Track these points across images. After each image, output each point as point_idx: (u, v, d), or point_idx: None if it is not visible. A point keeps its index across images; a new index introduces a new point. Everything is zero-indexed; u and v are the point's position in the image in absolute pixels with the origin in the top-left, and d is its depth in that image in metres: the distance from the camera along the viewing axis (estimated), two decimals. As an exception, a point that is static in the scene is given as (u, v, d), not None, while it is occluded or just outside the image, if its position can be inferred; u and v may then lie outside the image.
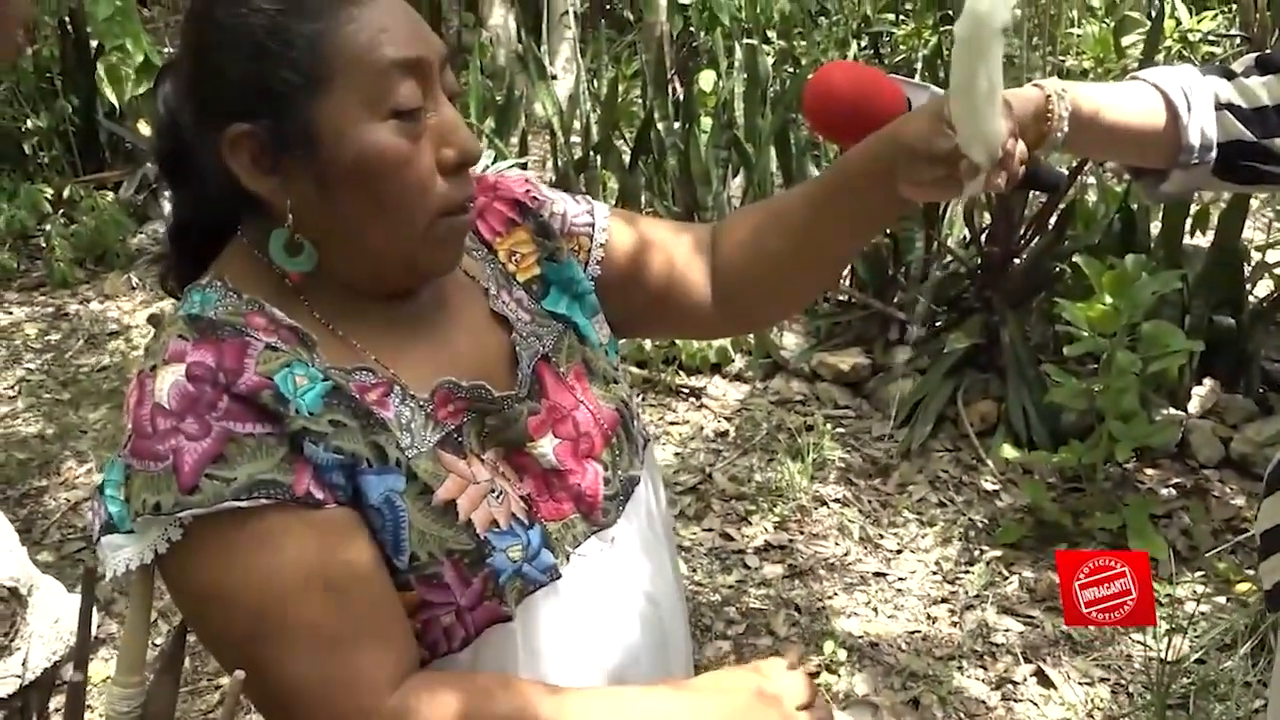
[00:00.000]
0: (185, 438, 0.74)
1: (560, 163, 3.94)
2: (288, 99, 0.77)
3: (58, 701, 1.50)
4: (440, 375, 0.85)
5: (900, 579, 2.57)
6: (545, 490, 0.88)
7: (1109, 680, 2.24)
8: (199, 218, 0.87)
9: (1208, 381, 2.92)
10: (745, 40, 4.56)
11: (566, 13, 5.46)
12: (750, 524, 2.77)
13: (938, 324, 3.25)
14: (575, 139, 4.08)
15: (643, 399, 3.29)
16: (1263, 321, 2.99)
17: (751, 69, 3.85)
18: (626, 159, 3.84)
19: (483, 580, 0.81)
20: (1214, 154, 1.06)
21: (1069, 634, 2.35)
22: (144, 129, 4.59)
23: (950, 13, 5.07)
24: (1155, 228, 3.14)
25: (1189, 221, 3.17)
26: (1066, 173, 2.86)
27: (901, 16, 6.13)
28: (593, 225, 1.00)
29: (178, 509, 0.73)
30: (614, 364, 0.99)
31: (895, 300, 3.31)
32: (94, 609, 1.21)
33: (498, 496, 0.84)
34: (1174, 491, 2.74)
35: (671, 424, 3.20)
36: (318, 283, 0.83)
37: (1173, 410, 2.85)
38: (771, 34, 5.93)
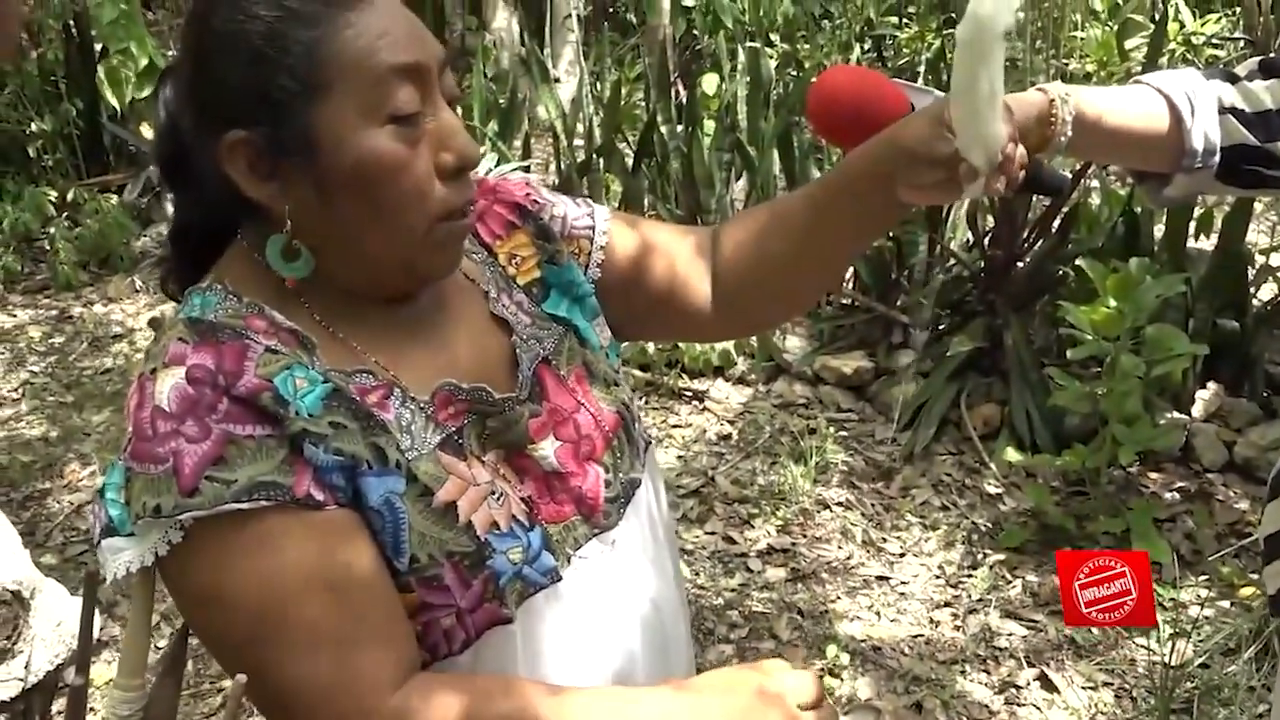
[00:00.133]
0: (185, 440, 0.74)
1: (563, 166, 3.94)
2: (285, 105, 0.77)
3: (60, 704, 1.50)
4: (440, 377, 0.85)
5: (903, 583, 2.56)
6: (546, 492, 0.88)
7: (1112, 685, 2.24)
8: (199, 221, 0.87)
9: (1211, 385, 2.91)
10: (748, 43, 4.56)
11: (569, 16, 5.47)
12: (753, 527, 2.77)
13: (941, 327, 3.24)
14: (578, 142, 4.08)
15: (645, 402, 3.29)
16: (1267, 325, 2.98)
17: (754, 72, 3.85)
18: (629, 162, 3.84)
19: (483, 582, 0.81)
20: (1217, 158, 1.06)
21: (1072, 638, 2.34)
22: (147, 132, 4.60)
23: (953, 16, 5.08)
24: (1159, 231, 3.14)
25: (1193, 225, 3.16)
26: (1070, 176, 2.86)
27: (904, 20, 6.13)
28: (593, 228, 1.00)
29: (178, 511, 0.73)
30: (615, 367, 0.99)
31: (898, 303, 3.31)
32: (96, 612, 1.21)
33: (498, 499, 0.84)
34: (1178, 495, 2.74)
35: (674, 427, 3.20)
36: (317, 286, 0.83)
37: (1176, 414, 2.84)
38: (774, 37, 5.94)
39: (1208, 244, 3.22)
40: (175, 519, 0.74)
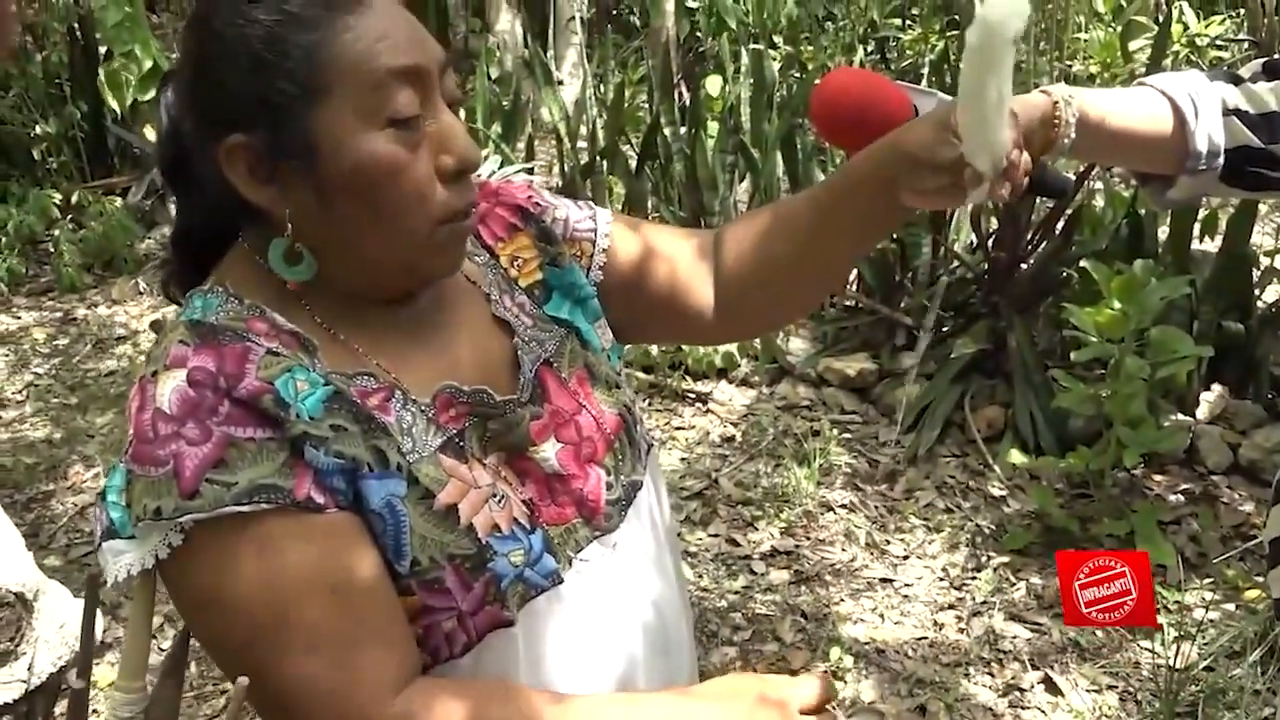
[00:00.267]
0: (186, 443, 0.74)
1: (567, 168, 3.94)
2: (285, 109, 0.77)
3: (63, 706, 1.50)
4: (442, 380, 0.85)
5: (907, 585, 2.56)
6: (547, 495, 0.88)
7: (1117, 688, 2.23)
8: (201, 224, 0.87)
9: (1216, 387, 2.91)
10: (752, 45, 4.56)
11: (573, 18, 5.47)
12: (756, 529, 2.77)
13: (944, 329, 3.24)
14: (582, 144, 4.08)
15: (649, 404, 3.29)
16: (1271, 327, 2.97)
17: (758, 74, 3.85)
18: (633, 164, 3.84)
19: (484, 585, 0.81)
20: (1221, 160, 1.06)
21: (1077, 641, 2.34)
22: (152, 135, 4.61)
23: (956, 18, 5.07)
24: (1163, 233, 3.13)
25: (1197, 226, 3.16)
26: (1073, 178, 2.85)
27: (908, 22, 6.13)
28: (595, 231, 1.00)
29: (178, 514, 0.73)
30: (617, 369, 0.99)
31: (902, 305, 3.31)
32: (99, 614, 1.21)
33: (499, 501, 0.84)
34: (1182, 498, 2.73)
35: (678, 429, 3.19)
36: (318, 288, 0.83)
37: (1181, 416, 2.84)
38: (778, 39, 5.94)
39: (1212, 246, 3.22)
40: (176, 521, 0.74)
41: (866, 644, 2.37)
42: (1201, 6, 5.32)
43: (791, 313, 1.17)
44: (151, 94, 4.28)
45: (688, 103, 4.06)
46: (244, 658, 0.76)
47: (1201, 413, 2.87)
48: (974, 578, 2.56)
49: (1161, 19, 4.50)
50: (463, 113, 0.86)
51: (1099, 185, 3.60)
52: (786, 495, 2.86)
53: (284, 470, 0.75)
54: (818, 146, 3.67)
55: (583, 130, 4.16)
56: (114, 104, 4.23)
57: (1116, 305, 2.46)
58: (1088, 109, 1.01)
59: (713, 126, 3.97)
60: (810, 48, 5.80)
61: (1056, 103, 0.99)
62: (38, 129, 4.67)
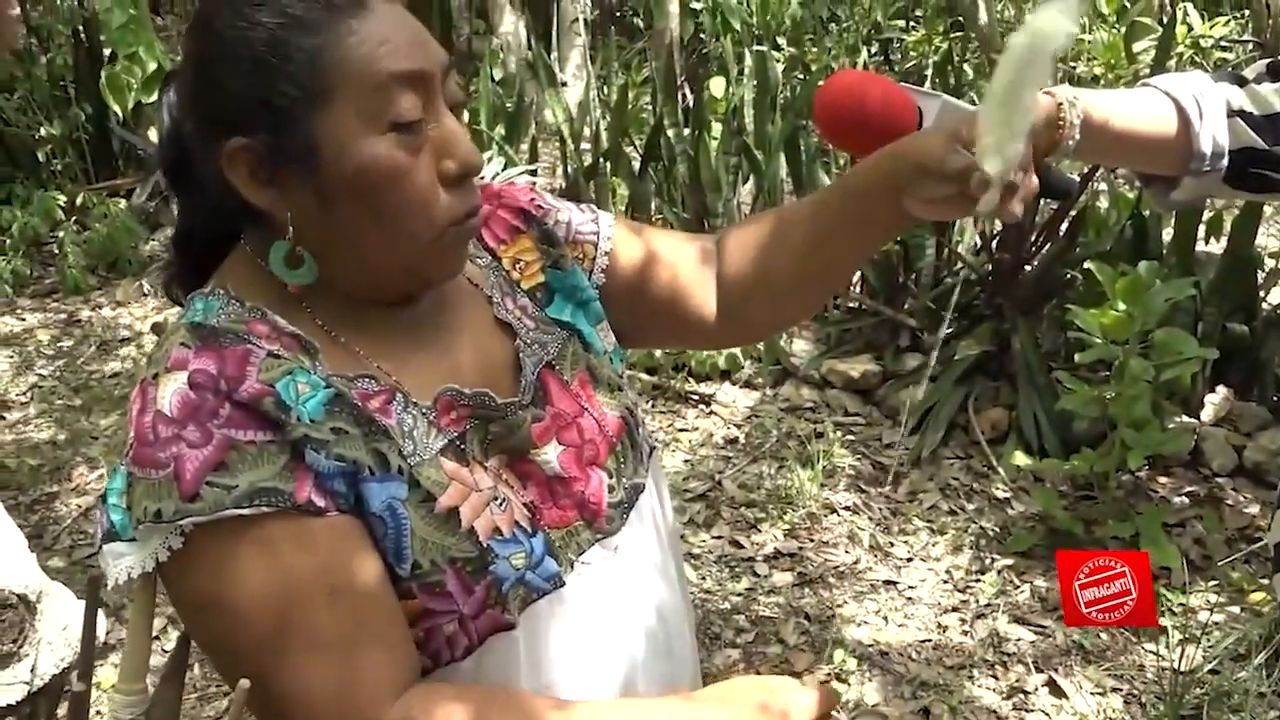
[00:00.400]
0: (187, 445, 0.74)
1: (570, 169, 3.94)
2: (287, 113, 0.77)
3: (66, 708, 1.50)
4: (443, 382, 0.85)
5: (911, 587, 2.55)
6: (549, 498, 0.88)
7: (1121, 690, 2.22)
8: (203, 226, 0.87)
9: (1221, 389, 2.90)
10: (755, 47, 4.56)
11: (577, 20, 5.48)
12: (760, 531, 2.77)
13: (948, 331, 3.23)
14: (585, 146, 4.08)
15: (652, 405, 3.29)
16: (1276, 329, 2.96)
17: (761, 75, 3.85)
18: (636, 166, 3.84)
19: (485, 588, 0.81)
20: (1225, 161, 1.06)
21: (1081, 643, 2.33)
22: (155, 137, 4.61)
23: (960, 20, 5.07)
24: (1168, 234, 3.12)
25: (1202, 228, 3.15)
26: (1078, 179, 2.85)
27: (911, 23, 6.13)
28: (597, 234, 1.00)
29: (178, 516, 0.73)
30: (619, 371, 0.98)
31: (906, 307, 3.30)
32: (103, 616, 1.20)
33: (500, 504, 0.84)
34: (1187, 500, 2.72)
35: (681, 431, 3.19)
36: (320, 291, 0.83)
37: (1186, 418, 2.83)
38: (782, 40, 5.94)
39: (1217, 247, 3.21)
40: (176, 524, 0.74)
41: (870, 646, 2.37)
42: (1206, 8, 5.31)
43: (794, 317, 1.17)
44: (155, 96, 4.28)
45: (691, 104, 4.06)
46: (243, 661, 0.76)
47: (1206, 415, 2.87)
48: (978, 580, 2.56)
49: (1166, 20, 4.50)
50: (466, 114, 0.86)
51: (1103, 187, 3.59)
52: (790, 497, 2.86)
53: (285, 473, 0.75)
54: (821, 148, 3.66)
55: (586, 132, 4.16)
56: (116, 107, 4.24)
57: (1121, 307, 2.45)
58: (1092, 110, 1.00)
59: (716, 128, 3.97)
60: (814, 49, 5.80)
61: (1061, 104, 0.99)
62: (42, 131, 4.68)
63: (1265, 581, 2.42)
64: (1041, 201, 3.00)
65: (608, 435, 0.92)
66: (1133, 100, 1.06)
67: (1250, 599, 2.40)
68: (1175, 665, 2.16)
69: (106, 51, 4.67)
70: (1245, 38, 4.84)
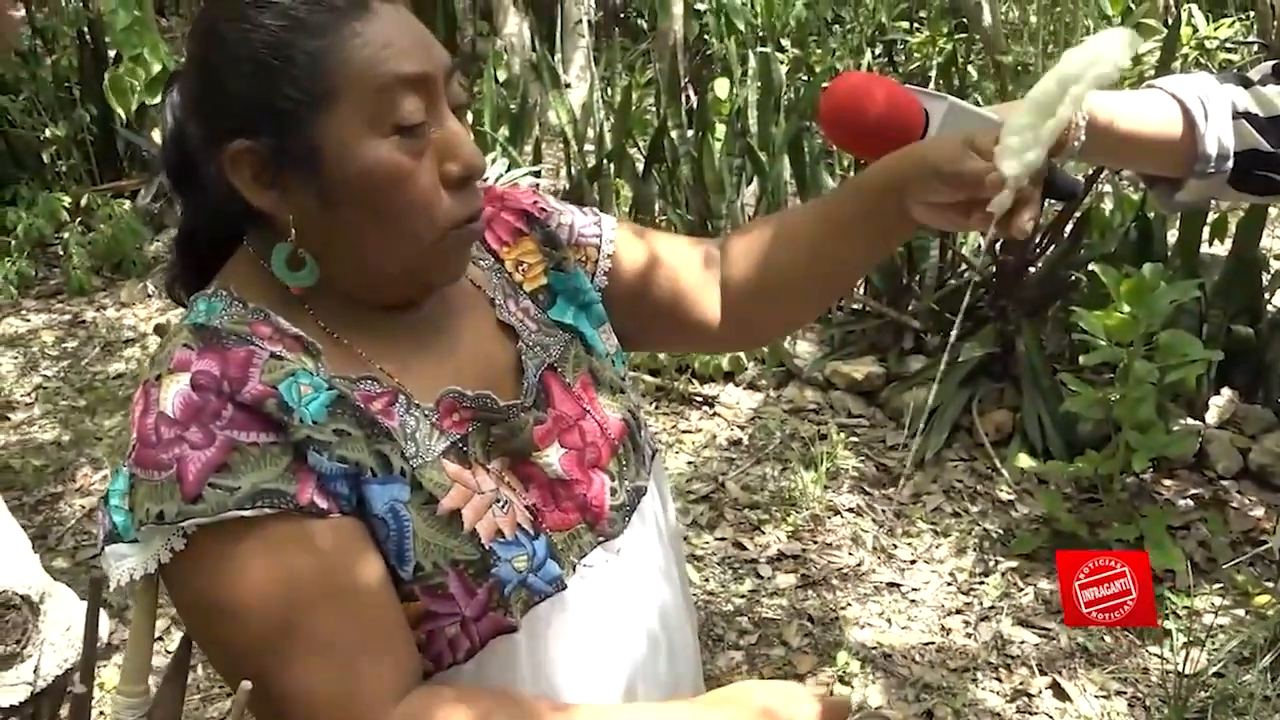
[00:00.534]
0: (189, 446, 0.74)
1: (574, 171, 3.94)
2: (290, 115, 0.77)
3: (68, 709, 1.50)
4: (445, 384, 0.85)
5: (914, 589, 2.55)
6: (551, 500, 0.88)
7: (1125, 693, 2.22)
8: (206, 227, 0.87)
9: (1226, 391, 2.89)
10: (759, 48, 4.56)
11: (581, 21, 5.48)
12: (763, 533, 2.76)
13: (952, 333, 3.23)
14: (589, 147, 4.08)
15: (655, 407, 3.29)
16: (1282, 331, 2.96)
17: (765, 77, 3.85)
18: (640, 167, 3.84)
19: (487, 591, 0.81)
20: (1231, 163, 1.05)
21: (1085, 646, 2.33)
22: (159, 138, 4.61)
23: (965, 21, 5.06)
24: (1172, 236, 3.12)
25: (1206, 230, 3.14)
26: (1082, 181, 2.84)
27: (916, 25, 6.13)
28: (600, 236, 1.00)
29: (181, 518, 0.73)
30: (621, 374, 0.98)
31: (910, 309, 3.30)
32: (106, 616, 1.20)
33: (503, 506, 0.84)
34: (1192, 503, 2.72)
35: (684, 432, 3.19)
36: (322, 293, 0.83)
37: (1190, 420, 2.82)
38: (786, 42, 5.93)
39: (1222, 249, 3.20)
40: (178, 526, 0.74)
41: (873, 649, 2.36)
42: (1210, 9, 5.30)
43: (798, 321, 1.17)
44: (159, 97, 4.29)
45: (695, 106, 4.06)
46: (244, 663, 0.75)
47: (1211, 417, 2.86)
48: (982, 582, 2.55)
49: (1170, 21, 4.49)
50: (470, 116, 0.85)
51: (1108, 188, 3.59)
52: (793, 499, 2.85)
53: (287, 475, 0.75)
54: (825, 150, 3.66)
55: (590, 133, 4.16)
56: (119, 110, 4.25)
57: (1125, 309, 2.45)
58: (1097, 111, 1.00)
59: (720, 130, 3.97)
60: (818, 51, 5.79)
61: (1065, 106, 0.99)
62: (47, 132, 4.69)
63: (1270, 584, 2.41)
64: (1046, 203, 3.00)
65: (610, 438, 0.92)
66: (1138, 102, 1.06)
67: (1255, 602, 2.39)
68: (1180, 668, 2.15)
69: (111, 53, 4.68)
70: (1250, 39, 4.83)
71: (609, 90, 4.89)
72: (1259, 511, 2.67)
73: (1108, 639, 2.34)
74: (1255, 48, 4.54)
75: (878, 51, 5.78)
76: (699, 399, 3.31)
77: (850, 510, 2.83)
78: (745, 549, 2.71)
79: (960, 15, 5.22)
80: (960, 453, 2.99)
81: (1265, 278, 3.01)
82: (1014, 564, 2.59)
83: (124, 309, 4.18)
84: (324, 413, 0.78)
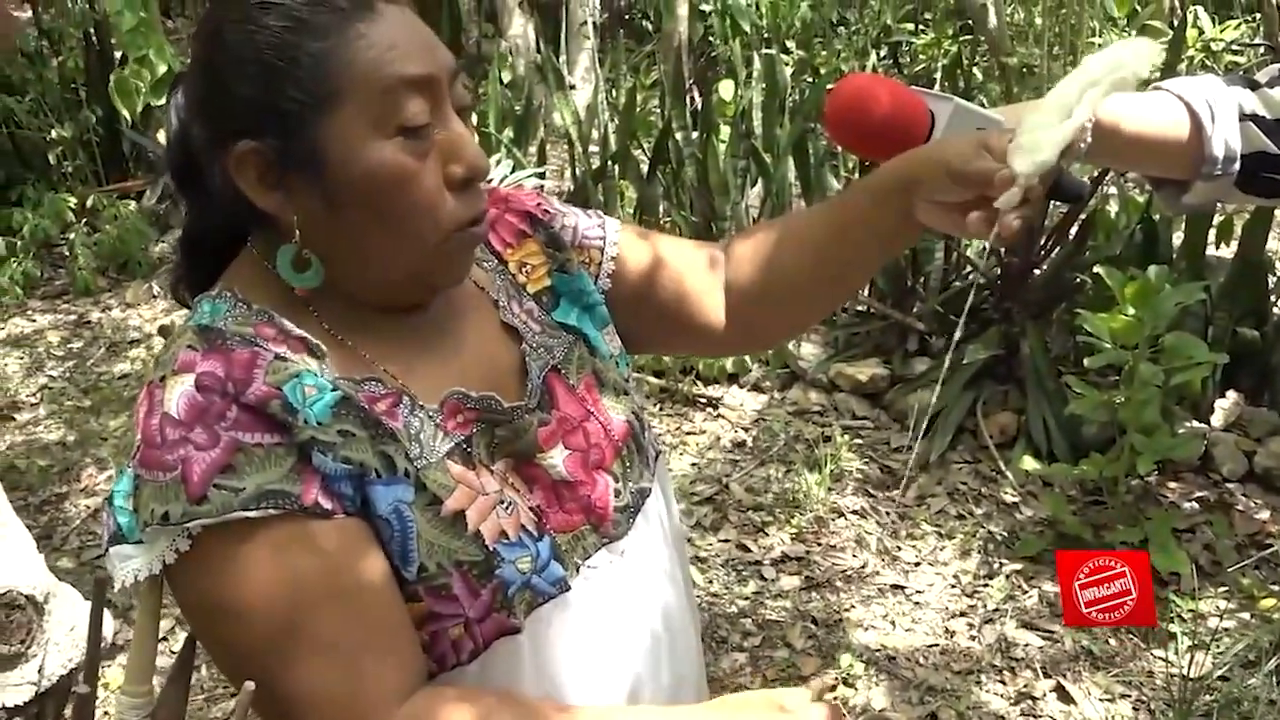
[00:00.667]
0: (194, 448, 0.74)
1: (578, 172, 3.94)
2: (295, 117, 0.77)
3: (71, 709, 1.50)
4: (449, 386, 0.85)
5: (918, 592, 2.55)
6: (555, 502, 0.88)
7: (1130, 696, 2.21)
8: (210, 228, 0.87)
9: (1231, 394, 2.89)
10: (764, 50, 4.56)
11: (585, 23, 5.48)
12: (767, 535, 2.76)
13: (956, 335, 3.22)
14: (593, 149, 4.09)
15: (660, 408, 3.29)
16: (1287, 333, 2.95)
17: (770, 79, 3.85)
18: (644, 169, 3.84)
19: (491, 592, 0.81)
20: (1238, 166, 1.05)
21: (1090, 649, 2.32)
22: (165, 139, 4.61)
23: (970, 22, 5.06)
24: (1177, 239, 3.11)
25: (1212, 232, 3.14)
26: (1088, 183, 2.84)
27: (921, 26, 6.12)
28: (604, 239, 1.00)
29: (186, 519, 0.73)
30: (625, 375, 0.98)
31: (914, 311, 3.30)
32: (110, 617, 1.20)
33: (507, 508, 0.84)
34: (1197, 505, 2.71)
35: (688, 434, 3.19)
36: (326, 294, 0.83)
37: (1195, 423, 2.82)
38: (790, 43, 5.93)
39: (1227, 252, 3.20)
40: (183, 527, 0.74)
41: (877, 651, 2.36)
42: (1217, 11, 5.29)
43: (802, 324, 1.17)
44: (165, 99, 4.29)
45: (700, 107, 4.05)
46: (249, 663, 0.76)
47: (1216, 420, 2.85)
48: (986, 585, 2.55)
49: (1176, 23, 4.48)
50: (475, 118, 0.86)
51: (1113, 190, 3.58)
52: (797, 501, 2.85)
53: (292, 476, 0.75)
54: (830, 152, 3.66)
55: (594, 135, 4.16)
56: (124, 111, 4.26)
57: (1130, 311, 2.44)
58: (1103, 113, 1.00)
59: (725, 131, 3.97)
60: (823, 52, 5.79)
61: (1071, 107, 0.99)
62: (53, 133, 4.70)
63: (1276, 588, 2.40)
64: (1051, 205, 3.00)
65: (614, 439, 0.92)
66: (1144, 104, 1.06)
67: (1260, 605, 2.39)
68: (1184, 672, 2.15)
69: (117, 54, 4.69)
70: (1257, 41, 4.82)
71: (614, 92, 4.89)
72: (1264, 514, 2.67)
73: (1112, 642, 2.33)
74: (1262, 50, 4.53)
75: (883, 53, 5.77)
76: (703, 400, 3.31)
77: (854, 512, 2.82)
78: (749, 551, 2.71)
79: (965, 17, 5.22)
80: (965, 455, 2.98)
81: (1271, 280, 3.01)
82: (1018, 566, 2.58)
83: (129, 310, 4.19)
84: (328, 414, 0.78)
